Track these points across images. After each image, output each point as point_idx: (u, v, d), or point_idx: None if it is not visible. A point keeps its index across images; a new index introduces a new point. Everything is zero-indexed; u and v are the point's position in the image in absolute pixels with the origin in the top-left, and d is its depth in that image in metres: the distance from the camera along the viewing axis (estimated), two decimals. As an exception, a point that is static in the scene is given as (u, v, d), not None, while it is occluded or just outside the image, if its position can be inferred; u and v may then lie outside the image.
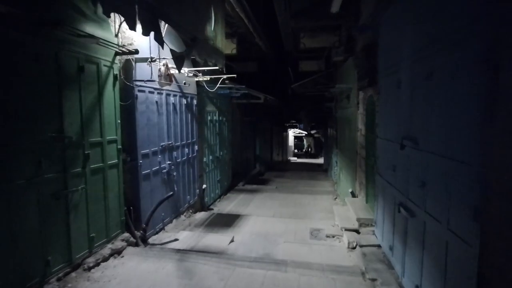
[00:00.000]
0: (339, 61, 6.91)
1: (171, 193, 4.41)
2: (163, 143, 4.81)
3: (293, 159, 26.93)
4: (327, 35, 5.94)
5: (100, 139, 3.47)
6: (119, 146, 3.82)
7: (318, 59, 8.37)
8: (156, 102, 4.61)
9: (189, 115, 5.88)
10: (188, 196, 5.83)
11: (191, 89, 5.94)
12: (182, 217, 5.55)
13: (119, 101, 3.82)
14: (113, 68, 3.69)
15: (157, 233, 4.61)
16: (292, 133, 29.49)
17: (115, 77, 3.73)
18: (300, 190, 9.54)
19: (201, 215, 6.15)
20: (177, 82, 5.18)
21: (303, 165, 22.71)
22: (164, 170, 4.84)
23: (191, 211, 5.98)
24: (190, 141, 5.91)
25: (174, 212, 5.27)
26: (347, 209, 5.47)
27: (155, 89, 4.56)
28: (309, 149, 34.21)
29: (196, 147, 6.19)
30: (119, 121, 3.81)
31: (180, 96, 5.46)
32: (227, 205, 7.41)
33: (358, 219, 4.54)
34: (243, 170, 11.25)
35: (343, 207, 5.69)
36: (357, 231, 4.55)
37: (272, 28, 8.23)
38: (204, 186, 6.50)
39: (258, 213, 6.68)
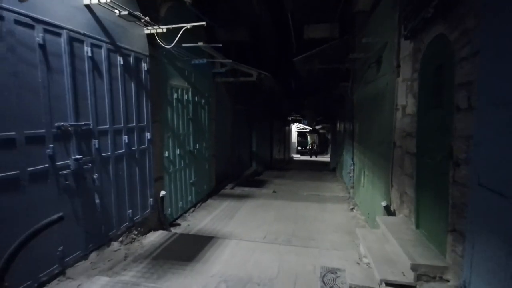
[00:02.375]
0: (364, 13, 4.78)
1: (58, 215, 2.32)
2: (62, 124, 2.71)
3: (296, 156, 24.82)
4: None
5: None
6: None
7: (330, 21, 6.23)
8: (42, 46, 2.51)
9: (133, 84, 3.79)
10: (130, 211, 3.75)
11: (137, 45, 3.83)
12: (115, 245, 3.46)
13: None
14: None
15: (40, 286, 2.53)
16: (295, 128, 27.35)
17: None
18: (304, 196, 7.41)
19: (154, 238, 4.06)
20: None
21: (307, 163, 20.57)
22: (66, 171, 2.75)
23: (135, 232, 3.89)
24: (134, 125, 3.82)
25: (95, 241, 3.19)
26: (381, 236, 3.34)
27: (38, 21, 2.47)
28: (314, 146, 31.98)
29: (148, 135, 4.10)
30: None
31: (110, 51, 3.36)
32: (202, 219, 5.32)
33: (414, 266, 2.42)
34: (235, 169, 9.16)
35: (373, 232, 3.57)
36: (412, 288, 2.43)
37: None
38: (163, 193, 4.41)
39: (242, 233, 4.59)
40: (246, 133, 11.13)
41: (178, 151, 5.08)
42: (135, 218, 3.87)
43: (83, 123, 2.95)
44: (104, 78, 3.26)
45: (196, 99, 5.83)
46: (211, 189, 6.86)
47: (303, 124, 28.42)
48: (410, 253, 2.57)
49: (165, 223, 4.56)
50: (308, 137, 34.30)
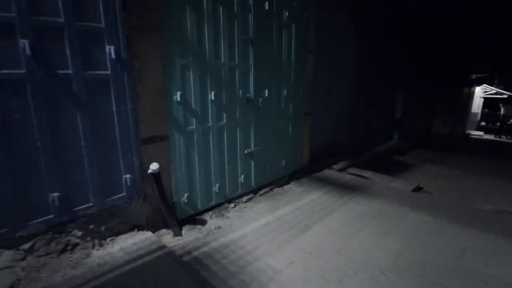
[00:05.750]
0: None
1: None
2: None
3: (476, 134, 17.17)
4: None
5: None
6: None
7: None
8: None
9: None
10: (56, 195, 1.93)
11: None
12: (2, 258, 1.78)
13: None
14: None
15: None
16: (480, 92, 18.82)
17: None
18: (483, 213, 3.53)
19: (115, 251, 2.17)
20: None
21: (494, 145, 13.48)
22: None
23: (80, 233, 2.09)
24: (62, 21, 1.82)
25: None
26: None
27: None
28: (508, 122, 21.37)
29: (111, 51, 2.04)
30: None
31: None
32: (252, 219, 3.01)
33: None
34: (357, 141, 6.06)
35: None
36: None
37: None
38: (154, 166, 2.35)
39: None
40: (385, 88, 7.35)
41: (212, 96, 2.81)
42: (77, 209, 2.05)
43: None
44: None
45: (267, 7, 3.22)
46: (299, 166, 4.31)
47: (496, 88, 19.04)
48: None
49: (170, 219, 2.58)
50: (502, 108, 23.30)
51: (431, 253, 2.47)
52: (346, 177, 4.62)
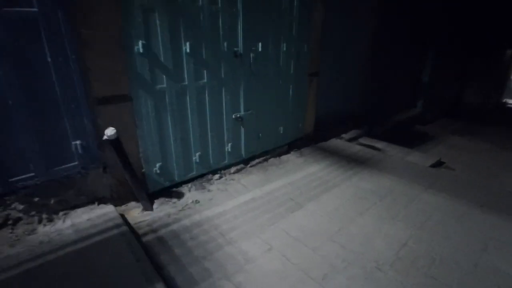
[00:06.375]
0: None
1: None
2: None
3: (514, 103, 15.44)
4: None
5: None
6: None
7: None
8: None
9: None
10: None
11: None
12: None
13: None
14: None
15: None
16: (526, 55, 16.57)
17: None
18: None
19: (54, 229, 1.90)
20: None
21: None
22: None
23: (21, 207, 1.82)
24: None
25: None
26: None
27: None
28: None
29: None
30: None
31: None
32: (238, 192, 2.66)
33: None
34: (372, 106, 5.39)
35: None
36: None
37: None
38: (110, 132, 1.97)
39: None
40: (411, 48, 6.38)
41: (187, 48, 2.31)
42: (14, 179, 1.75)
43: None
44: None
45: None
46: (301, 134, 3.83)
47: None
48: None
49: (138, 192, 2.26)
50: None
51: (444, 244, 2.03)
52: (355, 147, 4.09)
